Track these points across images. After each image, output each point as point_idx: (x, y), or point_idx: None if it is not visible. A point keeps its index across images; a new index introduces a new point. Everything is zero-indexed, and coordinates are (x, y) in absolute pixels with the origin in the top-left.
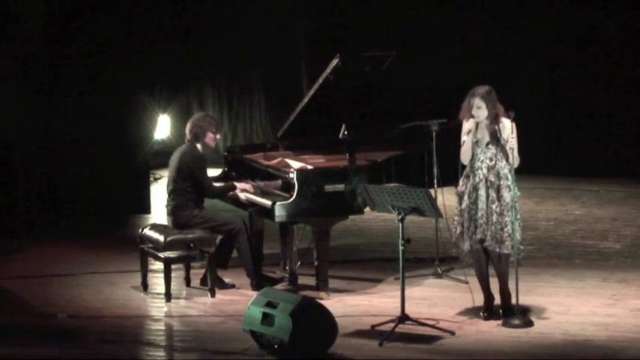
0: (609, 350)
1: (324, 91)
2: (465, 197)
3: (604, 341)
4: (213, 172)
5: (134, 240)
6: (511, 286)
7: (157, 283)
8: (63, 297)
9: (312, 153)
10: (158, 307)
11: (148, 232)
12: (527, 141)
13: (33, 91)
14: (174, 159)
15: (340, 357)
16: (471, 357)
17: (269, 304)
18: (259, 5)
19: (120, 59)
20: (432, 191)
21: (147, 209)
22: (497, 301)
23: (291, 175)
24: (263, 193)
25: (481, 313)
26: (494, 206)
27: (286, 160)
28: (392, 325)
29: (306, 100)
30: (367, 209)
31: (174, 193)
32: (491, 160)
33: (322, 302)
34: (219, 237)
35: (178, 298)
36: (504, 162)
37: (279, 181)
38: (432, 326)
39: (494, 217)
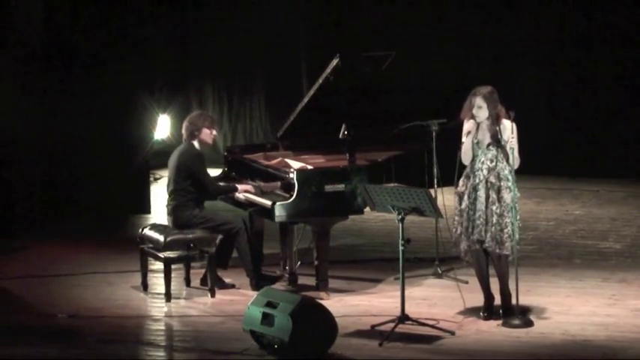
0: (609, 350)
1: (324, 91)
2: (465, 197)
3: (604, 341)
4: (213, 172)
5: (134, 240)
6: (511, 286)
7: (157, 283)
8: (63, 297)
9: (312, 153)
10: (158, 307)
11: (148, 232)
12: (527, 141)
13: (33, 91)
14: (172, 159)
15: (340, 357)
16: (471, 357)
17: (269, 304)
18: (259, 5)
19: (120, 59)
20: (432, 191)
21: (147, 209)
22: (498, 301)
23: (291, 175)
24: (263, 193)
25: (481, 313)
26: (494, 207)
27: (286, 160)
28: (392, 325)
29: (306, 100)
30: (367, 209)
31: (174, 193)
32: (491, 161)
33: (322, 302)
34: (219, 237)
35: (178, 298)
36: (505, 163)
37: (278, 183)
38: (432, 326)
39: (495, 219)
